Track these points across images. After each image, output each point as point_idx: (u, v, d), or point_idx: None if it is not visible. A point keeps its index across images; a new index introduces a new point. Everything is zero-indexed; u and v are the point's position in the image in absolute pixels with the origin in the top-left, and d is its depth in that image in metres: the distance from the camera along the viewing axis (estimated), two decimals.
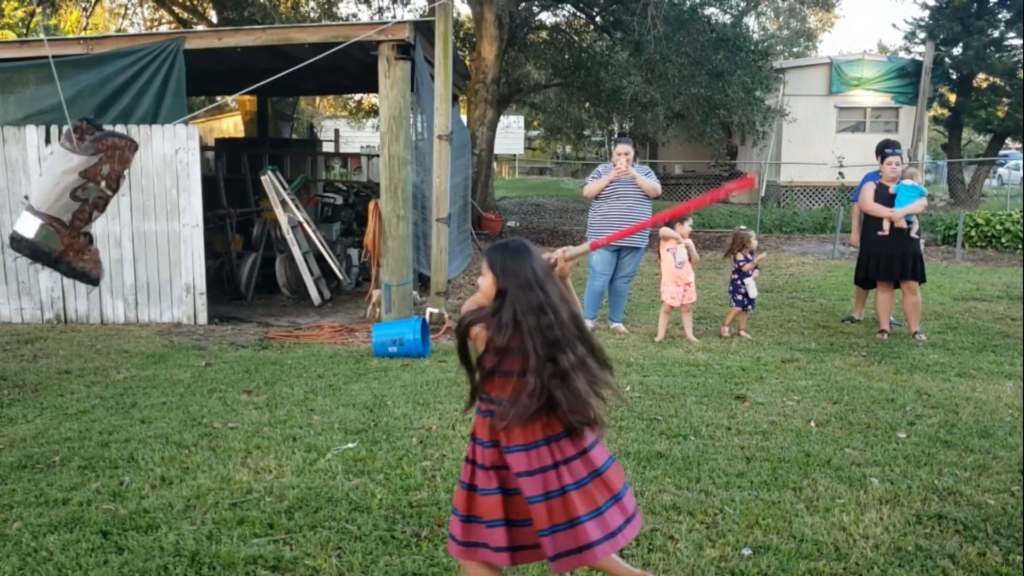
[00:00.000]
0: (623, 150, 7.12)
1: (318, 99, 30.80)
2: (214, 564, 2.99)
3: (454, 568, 2.97)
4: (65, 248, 3.40)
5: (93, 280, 3.68)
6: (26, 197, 3.50)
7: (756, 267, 7.22)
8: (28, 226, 3.36)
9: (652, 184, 7.21)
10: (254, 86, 5.47)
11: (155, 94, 7.64)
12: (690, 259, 7.00)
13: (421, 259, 8.61)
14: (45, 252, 3.34)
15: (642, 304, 8.84)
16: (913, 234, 7.02)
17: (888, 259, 7.02)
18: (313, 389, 5.38)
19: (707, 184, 24.85)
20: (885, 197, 7.05)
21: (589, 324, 7.30)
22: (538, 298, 2.29)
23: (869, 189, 7.17)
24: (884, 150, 7.26)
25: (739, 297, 7.14)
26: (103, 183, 3.52)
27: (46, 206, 3.33)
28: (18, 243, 3.40)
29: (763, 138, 19.93)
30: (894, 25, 72.89)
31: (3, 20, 20.56)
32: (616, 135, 7.26)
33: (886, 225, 6.95)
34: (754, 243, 7.24)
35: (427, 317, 7.29)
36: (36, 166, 7.71)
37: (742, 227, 7.53)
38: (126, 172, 3.65)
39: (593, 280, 7.37)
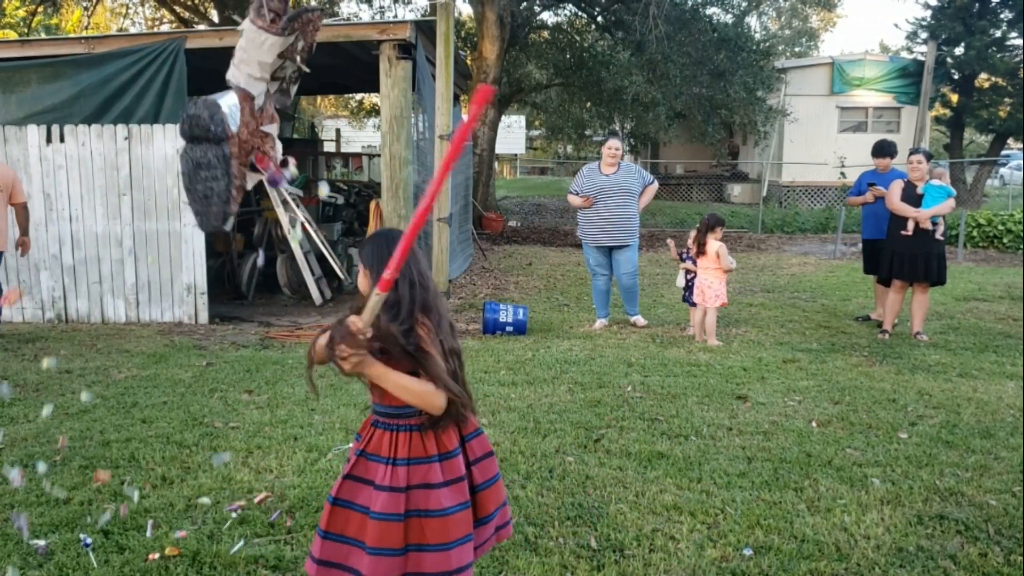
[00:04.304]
0: (613, 145, 7.18)
1: (319, 98, 30.80)
2: (215, 564, 2.99)
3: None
4: (237, 137, 3.11)
5: (216, 218, 3.24)
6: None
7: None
8: (226, 99, 3.10)
9: (649, 197, 7.35)
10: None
11: (156, 94, 7.64)
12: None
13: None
14: (219, 132, 3.02)
15: (643, 304, 8.82)
16: (938, 236, 6.91)
17: (912, 259, 6.90)
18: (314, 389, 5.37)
19: (709, 184, 24.85)
20: (912, 196, 6.91)
21: (601, 323, 7.32)
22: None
23: (896, 187, 7.03)
24: (887, 149, 7.28)
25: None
26: (298, 58, 3.36)
27: (243, 82, 3.11)
28: (201, 108, 3.04)
29: (765, 138, 19.94)
30: (896, 25, 73.14)
31: (4, 19, 20.57)
32: (607, 132, 7.34)
33: (910, 225, 6.82)
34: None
35: None
36: (37, 165, 7.71)
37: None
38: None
39: (595, 280, 7.40)
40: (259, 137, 3.06)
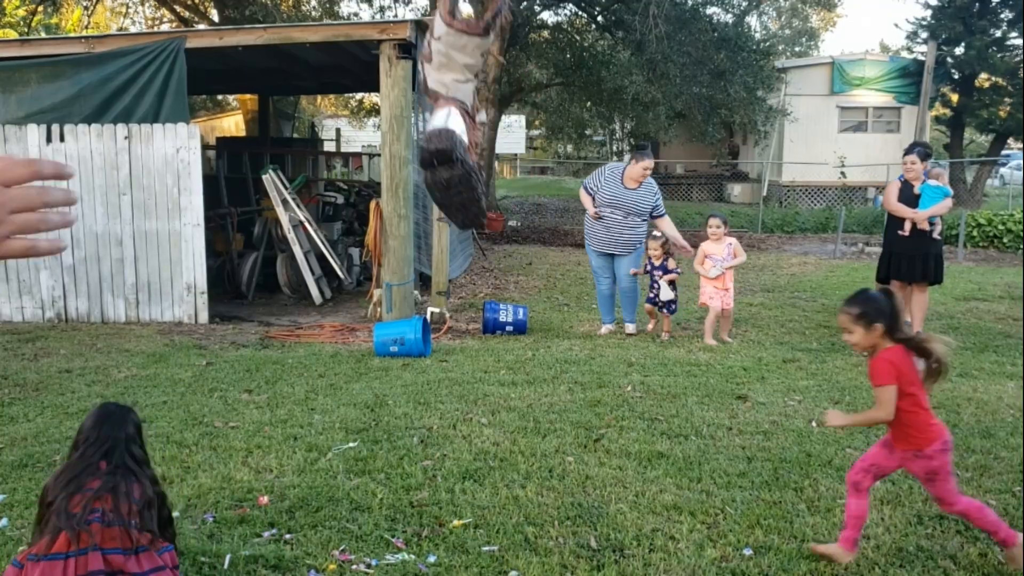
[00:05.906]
0: (648, 165, 7.02)
1: (319, 98, 30.77)
2: (215, 564, 2.99)
3: (455, 567, 2.97)
4: (468, 144, 3.05)
5: (477, 218, 3.16)
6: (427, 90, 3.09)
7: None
8: (451, 119, 3.00)
9: (681, 241, 7.22)
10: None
11: (156, 93, 7.64)
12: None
13: (422, 258, 8.61)
14: (462, 154, 2.94)
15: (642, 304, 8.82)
16: (935, 235, 6.89)
17: (910, 260, 6.89)
18: (314, 388, 5.38)
19: (709, 183, 24.84)
20: (909, 196, 6.90)
21: (607, 328, 7.27)
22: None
23: (893, 187, 7.04)
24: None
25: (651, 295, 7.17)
26: (491, 57, 3.31)
27: (452, 90, 3.04)
28: (443, 141, 2.93)
29: (765, 138, 19.93)
30: (896, 25, 73.23)
31: (4, 19, 20.57)
32: (637, 148, 6.96)
33: (907, 226, 6.81)
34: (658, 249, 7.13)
35: (428, 316, 7.29)
36: None
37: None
38: None
39: (598, 284, 7.38)
40: (476, 132, 3.07)
